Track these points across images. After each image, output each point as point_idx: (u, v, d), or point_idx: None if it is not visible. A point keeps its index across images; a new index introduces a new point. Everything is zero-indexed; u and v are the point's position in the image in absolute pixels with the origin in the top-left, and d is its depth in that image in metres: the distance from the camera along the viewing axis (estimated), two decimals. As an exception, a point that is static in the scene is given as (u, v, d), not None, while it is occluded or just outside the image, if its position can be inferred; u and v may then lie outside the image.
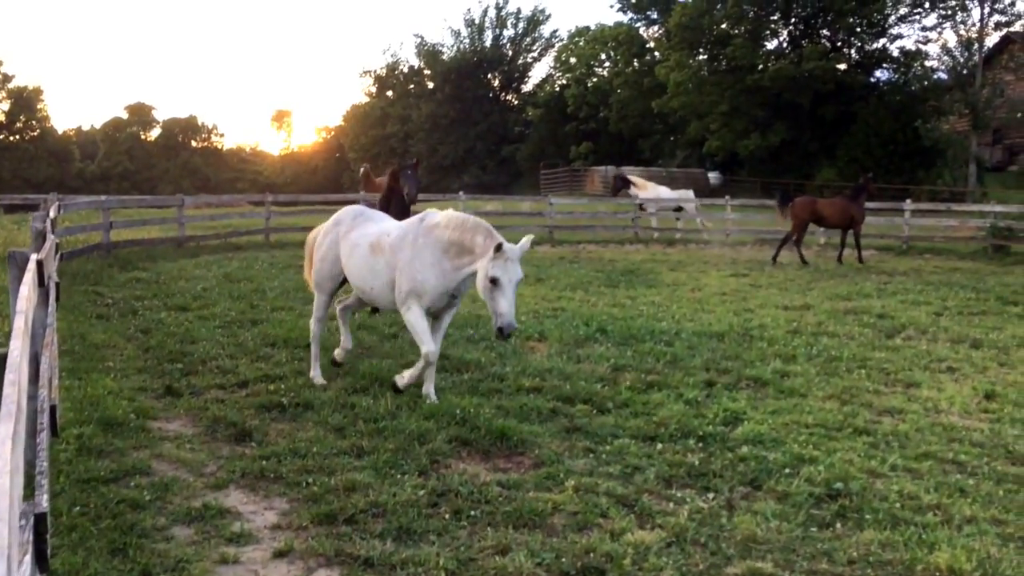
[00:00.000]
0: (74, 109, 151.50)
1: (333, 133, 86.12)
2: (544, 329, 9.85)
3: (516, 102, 70.33)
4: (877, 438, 6.24)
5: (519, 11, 69.65)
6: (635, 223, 24.85)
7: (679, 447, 5.89)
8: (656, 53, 53.54)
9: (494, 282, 6.14)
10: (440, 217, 6.73)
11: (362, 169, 21.97)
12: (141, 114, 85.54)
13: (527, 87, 70.91)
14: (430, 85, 70.76)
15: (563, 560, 4.23)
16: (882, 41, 45.56)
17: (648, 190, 25.44)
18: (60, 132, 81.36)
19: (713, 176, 45.86)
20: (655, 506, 4.93)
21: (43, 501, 3.07)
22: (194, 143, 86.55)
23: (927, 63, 42.75)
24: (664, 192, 25.88)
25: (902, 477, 5.48)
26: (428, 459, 5.55)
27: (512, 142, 64.86)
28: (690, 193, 26.26)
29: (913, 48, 44.46)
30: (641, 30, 57.16)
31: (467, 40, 69.50)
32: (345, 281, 7.58)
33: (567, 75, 63.23)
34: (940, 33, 43.30)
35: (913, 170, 39.34)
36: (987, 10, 38.14)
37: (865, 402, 7.25)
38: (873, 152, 39.53)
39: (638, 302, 12.46)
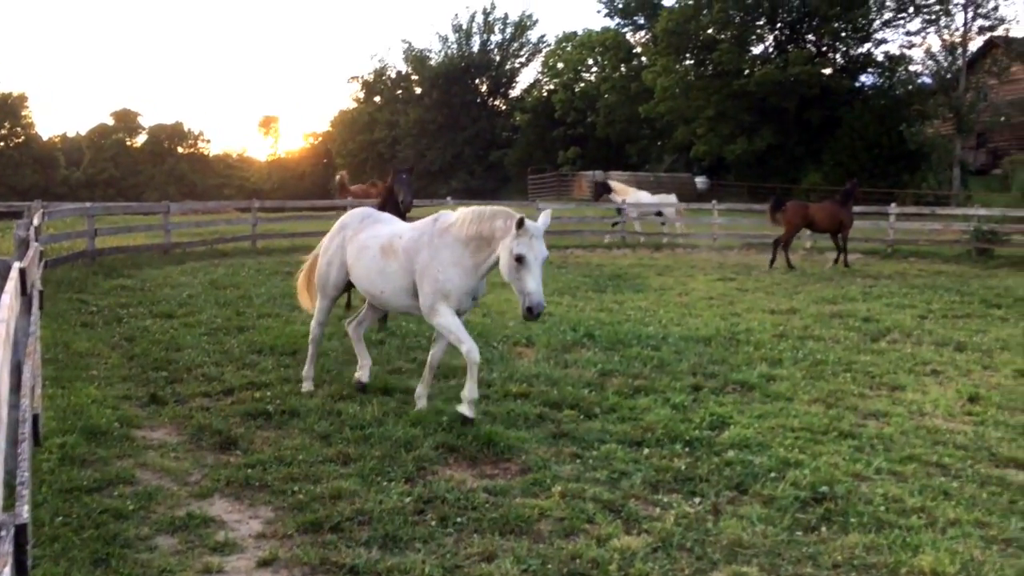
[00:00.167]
0: (59, 115, 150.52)
1: (321, 139, 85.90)
2: (531, 334, 9.85)
3: (504, 107, 70.42)
4: (862, 441, 6.28)
5: (506, 16, 69.98)
6: (616, 228, 24.94)
7: (666, 452, 5.91)
8: (643, 58, 53.87)
9: (520, 260, 5.90)
10: (454, 217, 6.53)
11: (338, 177, 21.94)
12: (127, 120, 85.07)
13: (515, 92, 71.13)
14: (418, 90, 70.75)
15: (549, 566, 4.23)
16: (867, 46, 46.00)
17: (628, 195, 25.59)
18: (45, 139, 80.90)
19: (700, 181, 46.02)
20: (641, 511, 4.94)
21: (24, 512, 3.04)
22: (180, 149, 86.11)
23: (911, 67, 43.17)
24: (644, 197, 26.01)
25: (887, 480, 5.51)
26: (415, 466, 5.54)
27: (500, 147, 64.95)
28: (671, 198, 26.37)
29: (897, 53, 44.85)
30: (628, 35, 57.53)
31: (455, 45, 69.63)
32: (349, 286, 7.41)
33: (554, 80, 63.38)
34: (924, 38, 43.45)
35: (898, 174, 39.63)
36: (971, 15, 38.44)
37: (850, 405, 7.29)
38: (858, 156, 39.80)
39: (625, 307, 12.48)
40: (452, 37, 69.73)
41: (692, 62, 47.69)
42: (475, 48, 69.54)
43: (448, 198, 26.47)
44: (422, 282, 6.46)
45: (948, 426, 6.77)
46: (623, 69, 56.33)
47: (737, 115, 44.35)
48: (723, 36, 45.30)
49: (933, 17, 40.57)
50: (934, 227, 23.84)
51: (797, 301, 13.37)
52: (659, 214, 25.49)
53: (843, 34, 45.11)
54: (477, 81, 69.66)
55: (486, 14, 69.69)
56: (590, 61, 60.86)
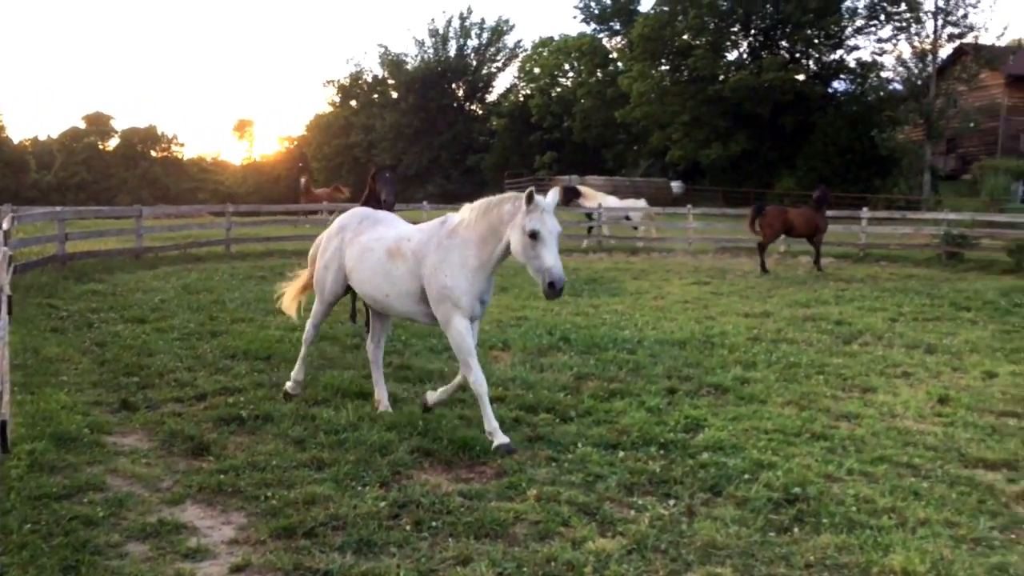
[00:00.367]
0: (30, 119, 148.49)
1: (296, 143, 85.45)
2: (507, 338, 9.86)
3: (480, 112, 70.48)
4: (834, 443, 6.33)
5: (483, 21, 70.14)
6: (593, 233, 25.09)
7: (641, 455, 5.93)
8: (619, 64, 54.14)
9: (535, 236, 5.66)
10: (458, 217, 6.34)
11: (302, 181, 21.83)
12: (99, 124, 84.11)
13: (491, 97, 71.24)
14: (394, 95, 70.64)
15: (524, 569, 4.23)
16: (839, 52, 46.53)
17: (595, 200, 25.78)
18: (16, 142, 79.78)
19: (676, 185, 46.31)
20: (616, 514, 4.95)
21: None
22: (154, 153, 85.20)
23: (883, 74, 43.75)
24: (611, 201, 26.23)
25: (858, 481, 5.56)
26: (389, 470, 5.51)
27: (477, 151, 64.94)
28: (640, 202, 26.70)
29: (869, 59, 45.43)
30: (604, 41, 57.84)
31: (431, 50, 69.64)
32: (348, 290, 7.16)
33: (531, 85, 63.55)
34: (895, 45, 44.36)
35: (869, 179, 40.15)
36: (940, 22, 39.04)
37: (823, 407, 7.35)
38: (831, 161, 40.28)
39: (601, 311, 12.53)
40: (429, 41, 69.85)
41: (667, 68, 48.01)
42: (452, 53, 69.62)
43: (424, 203, 26.39)
44: (430, 286, 6.21)
45: (918, 427, 6.85)
46: (599, 74, 56.62)
47: (712, 120, 44.69)
48: (698, 42, 45.66)
49: (904, 24, 41.23)
50: (905, 231, 24.15)
51: (771, 305, 13.49)
52: (628, 218, 25.75)
53: (816, 41, 45.62)
54: (454, 86, 69.69)
55: (463, 19, 69.88)
56: (566, 66, 61.08)
